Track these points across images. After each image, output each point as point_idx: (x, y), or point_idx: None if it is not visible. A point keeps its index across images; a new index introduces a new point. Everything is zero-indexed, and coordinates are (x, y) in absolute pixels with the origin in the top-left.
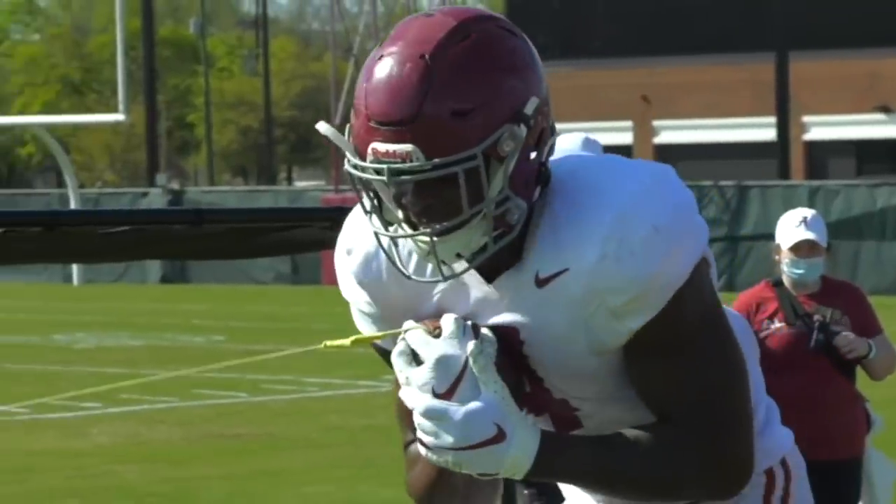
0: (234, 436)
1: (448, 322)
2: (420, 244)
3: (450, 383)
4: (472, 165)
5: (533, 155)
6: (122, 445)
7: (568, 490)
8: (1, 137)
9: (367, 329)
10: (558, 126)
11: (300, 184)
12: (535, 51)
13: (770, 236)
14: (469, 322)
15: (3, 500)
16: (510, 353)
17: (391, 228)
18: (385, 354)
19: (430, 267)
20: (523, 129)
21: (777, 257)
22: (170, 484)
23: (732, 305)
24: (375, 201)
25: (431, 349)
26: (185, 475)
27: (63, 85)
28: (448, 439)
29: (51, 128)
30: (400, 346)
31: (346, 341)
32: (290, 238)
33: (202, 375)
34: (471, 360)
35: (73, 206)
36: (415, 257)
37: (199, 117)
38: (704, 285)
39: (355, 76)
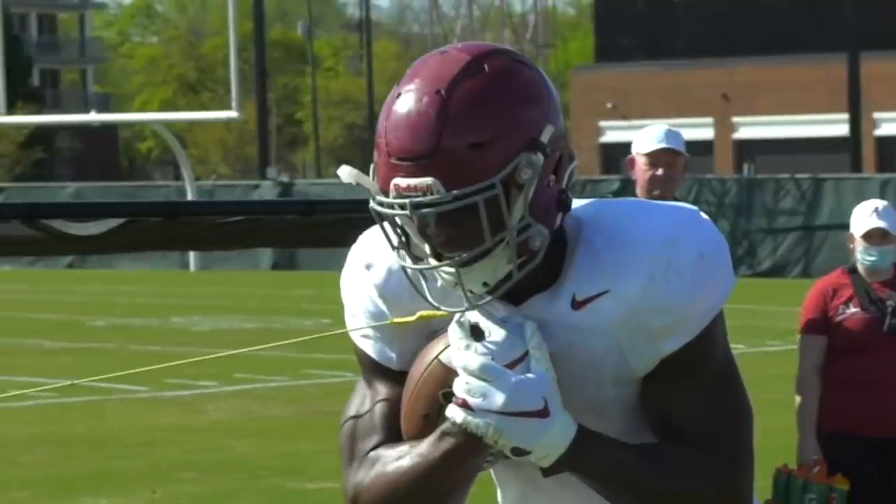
0: (341, 413)
1: (514, 315)
2: (446, 275)
3: (511, 360)
4: (491, 194)
5: (552, 181)
6: (237, 421)
7: None
8: (123, 133)
9: (367, 340)
10: (644, 122)
11: None
12: (549, 82)
13: (843, 226)
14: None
15: (128, 472)
16: None
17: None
18: (368, 360)
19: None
20: (540, 157)
21: (851, 245)
22: (281, 458)
23: (809, 292)
24: (403, 237)
25: (502, 326)
26: (295, 450)
27: (180, 84)
28: (498, 401)
29: (168, 124)
30: (460, 316)
31: (412, 318)
32: None
33: (311, 356)
34: (529, 332)
35: (189, 197)
36: (441, 280)
37: (306, 114)
38: (724, 328)
39: None
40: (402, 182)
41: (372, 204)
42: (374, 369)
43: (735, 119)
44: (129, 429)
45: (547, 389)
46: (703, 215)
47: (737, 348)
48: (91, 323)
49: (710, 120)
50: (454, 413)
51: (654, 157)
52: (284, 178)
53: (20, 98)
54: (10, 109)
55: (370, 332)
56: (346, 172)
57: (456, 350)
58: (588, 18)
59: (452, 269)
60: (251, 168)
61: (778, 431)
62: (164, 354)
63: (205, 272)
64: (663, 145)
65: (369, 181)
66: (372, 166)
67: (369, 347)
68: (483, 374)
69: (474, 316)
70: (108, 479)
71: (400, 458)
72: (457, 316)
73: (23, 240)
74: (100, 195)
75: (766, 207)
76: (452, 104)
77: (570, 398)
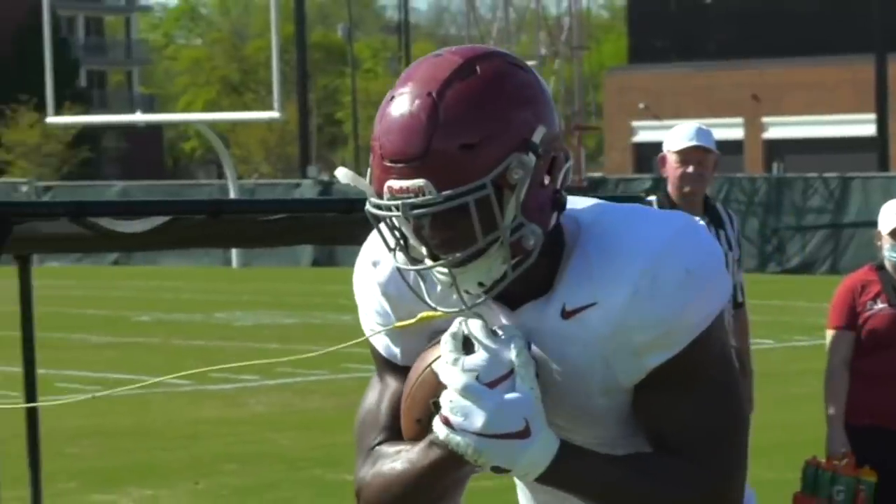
0: None
1: (508, 327)
2: (441, 276)
3: (496, 377)
4: (482, 195)
5: (546, 181)
6: (278, 414)
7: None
8: (167, 133)
9: (376, 336)
10: (676, 122)
11: None
12: (544, 83)
13: (870, 224)
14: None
15: (171, 464)
16: None
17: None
18: (378, 355)
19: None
20: (532, 158)
21: (878, 243)
22: (321, 450)
23: (837, 288)
24: (401, 240)
25: (492, 342)
26: (334, 441)
27: (223, 85)
28: (477, 422)
29: (212, 124)
30: (454, 328)
31: (412, 321)
32: None
33: (350, 351)
34: (515, 350)
35: (232, 195)
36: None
37: (346, 114)
38: (722, 334)
39: None
40: (395, 184)
41: (368, 206)
42: (383, 364)
43: (765, 119)
44: (173, 422)
45: (529, 410)
46: (699, 225)
47: (765, 343)
48: (136, 318)
49: (740, 120)
50: (438, 428)
51: (685, 155)
52: (325, 177)
53: (68, 99)
54: (58, 110)
55: (378, 327)
56: (342, 174)
57: (444, 364)
58: (621, 21)
59: (446, 270)
60: (292, 167)
61: (806, 425)
62: (207, 349)
63: (247, 269)
64: (694, 143)
65: (365, 183)
66: (368, 170)
67: (378, 343)
68: (465, 393)
69: (469, 326)
70: (153, 470)
71: (394, 461)
72: (451, 328)
73: (70, 237)
74: (145, 193)
75: (795, 205)
76: (443, 106)
77: (561, 405)
